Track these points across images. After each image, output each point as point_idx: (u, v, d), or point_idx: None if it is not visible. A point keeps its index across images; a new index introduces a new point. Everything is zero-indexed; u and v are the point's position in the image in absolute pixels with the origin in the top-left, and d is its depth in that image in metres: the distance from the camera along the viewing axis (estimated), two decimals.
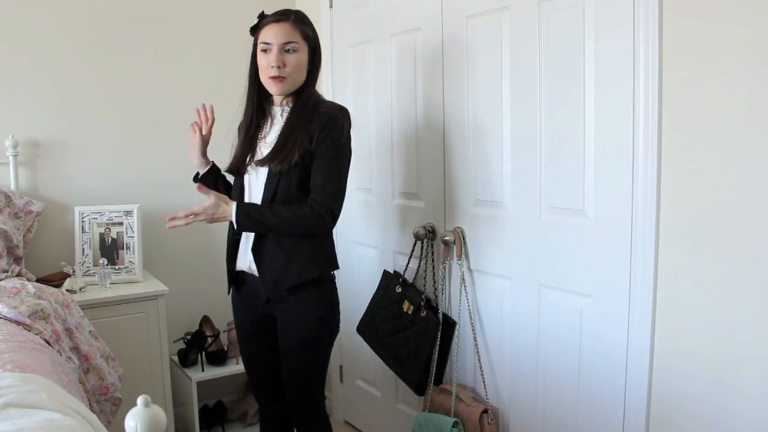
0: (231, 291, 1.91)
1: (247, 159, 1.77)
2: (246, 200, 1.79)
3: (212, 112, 1.86)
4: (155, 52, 2.67)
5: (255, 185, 1.78)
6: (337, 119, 1.71)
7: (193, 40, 2.74)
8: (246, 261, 1.80)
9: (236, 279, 1.87)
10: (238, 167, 1.79)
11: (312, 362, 1.81)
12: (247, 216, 1.68)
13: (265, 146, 1.77)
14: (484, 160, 1.96)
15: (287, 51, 1.67)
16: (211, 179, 1.89)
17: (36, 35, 2.44)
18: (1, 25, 2.38)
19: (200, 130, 1.85)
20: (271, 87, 1.72)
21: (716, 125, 1.37)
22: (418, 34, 2.17)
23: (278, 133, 1.74)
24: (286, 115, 1.76)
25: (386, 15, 2.31)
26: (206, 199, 1.69)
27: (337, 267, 1.85)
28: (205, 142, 1.87)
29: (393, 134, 2.35)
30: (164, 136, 2.71)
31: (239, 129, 1.89)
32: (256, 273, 1.77)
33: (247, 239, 1.79)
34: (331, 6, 2.64)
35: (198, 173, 1.91)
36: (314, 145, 1.68)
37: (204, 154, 1.89)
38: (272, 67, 1.67)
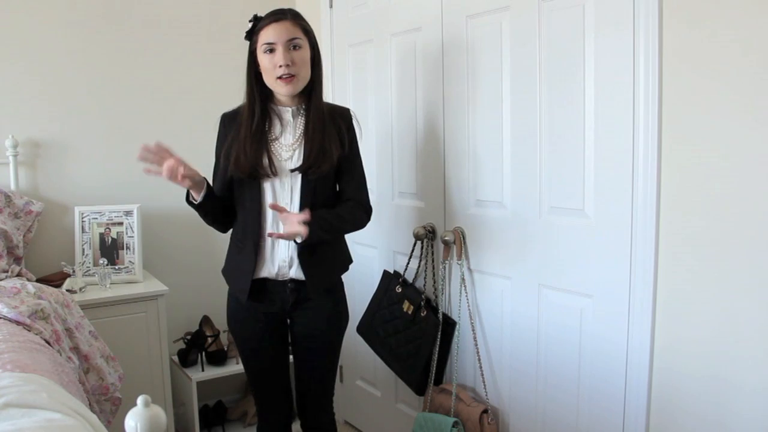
0: (237, 303, 1.81)
1: (266, 163, 1.69)
2: (269, 204, 1.71)
3: (159, 146, 1.60)
4: (155, 52, 2.67)
5: (282, 191, 1.71)
6: (352, 119, 1.81)
7: (192, 40, 2.74)
8: (273, 267, 1.73)
9: (251, 288, 1.75)
10: (255, 172, 1.68)
11: (333, 355, 1.89)
12: (320, 227, 1.64)
13: (283, 149, 1.72)
14: (485, 159, 1.96)
15: (292, 48, 1.65)
16: (208, 203, 1.71)
17: (36, 35, 2.44)
18: (1, 25, 2.38)
19: (175, 164, 1.56)
20: (280, 87, 1.67)
21: (716, 125, 1.37)
22: (418, 34, 2.17)
23: (296, 136, 1.72)
24: (300, 117, 1.73)
25: (386, 15, 2.31)
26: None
27: (352, 260, 1.93)
28: (188, 172, 1.59)
29: (393, 134, 2.35)
30: (164, 136, 2.70)
31: (227, 123, 1.77)
32: (284, 277, 1.73)
33: (274, 244, 1.72)
34: (331, 6, 2.64)
35: (189, 193, 1.69)
36: (346, 148, 1.75)
37: (194, 177, 1.63)
38: (281, 66, 1.63)
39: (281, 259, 1.73)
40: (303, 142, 1.71)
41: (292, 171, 1.69)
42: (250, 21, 1.71)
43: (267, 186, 1.72)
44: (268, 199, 1.72)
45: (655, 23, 1.45)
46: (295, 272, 1.73)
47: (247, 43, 1.73)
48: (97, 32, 2.55)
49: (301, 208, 1.70)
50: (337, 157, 1.71)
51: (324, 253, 1.76)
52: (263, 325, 1.81)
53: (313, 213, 1.63)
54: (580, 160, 1.67)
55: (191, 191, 1.69)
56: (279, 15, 1.67)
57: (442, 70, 2.07)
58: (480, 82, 1.94)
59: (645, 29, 1.47)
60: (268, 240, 1.72)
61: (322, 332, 1.82)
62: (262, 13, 1.71)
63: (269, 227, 1.72)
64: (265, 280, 1.75)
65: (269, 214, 1.72)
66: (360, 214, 1.81)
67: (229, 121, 1.78)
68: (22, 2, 2.41)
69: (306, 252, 1.72)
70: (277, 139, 1.73)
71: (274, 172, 1.69)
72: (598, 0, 1.58)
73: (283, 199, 1.72)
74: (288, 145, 1.73)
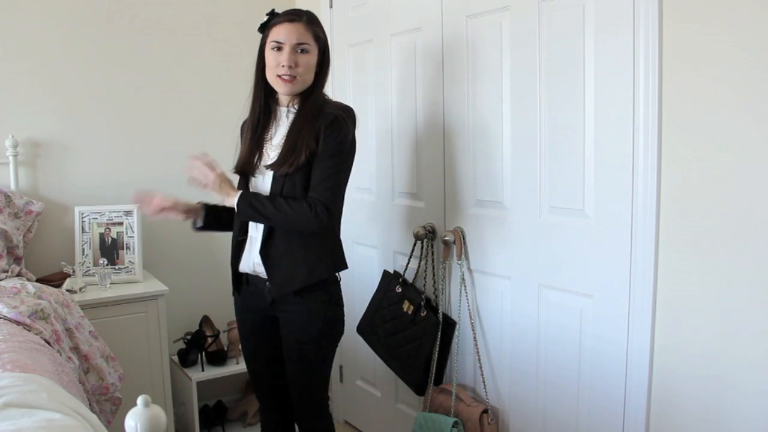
0: (235, 296, 1.90)
1: (255, 160, 1.75)
2: None
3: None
4: (156, 52, 2.67)
5: (261, 188, 1.75)
6: (341, 120, 1.69)
7: (192, 40, 2.74)
8: (250, 263, 1.78)
9: (239, 281, 1.85)
10: (245, 169, 1.76)
11: (317, 363, 1.81)
12: (249, 203, 1.67)
13: (271, 148, 1.75)
14: (485, 160, 1.96)
15: (299, 51, 1.66)
16: (211, 221, 1.85)
17: (37, 35, 2.44)
18: (1, 25, 2.38)
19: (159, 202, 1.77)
20: (279, 86, 1.69)
21: (716, 125, 1.37)
22: (418, 34, 2.17)
23: (284, 135, 1.72)
24: (291, 116, 1.74)
25: (386, 15, 2.31)
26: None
27: (345, 267, 1.84)
28: (178, 208, 1.79)
29: (393, 134, 2.35)
30: (164, 136, 2.72)
31: (243, 128, 1.86)
32: (262, 275, 1.76)
33: (252, 242, 1.77)
34: (331, 6, 2.64)
35: (195, 222, 1.85)
36: (319, 146, 1.67)
37: (190, 209, 1.82)
38: (283, 66, 1.65)
39: (255, 255, 1.75)
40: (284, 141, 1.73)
41: (266, 167, 1.72)
42: (267, 14, 1.72)
43: (252, 184, 1.78)
44: None
45: (655, 23, 1.45)
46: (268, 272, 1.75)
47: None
48: (98, 32, 2.55)
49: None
50: (306, 157, 1.65)
51: (288, 252, 1.71)
52: (253, 320, 1.87)
53: (256, 193, 1.72)
54: (580, 160, 1.67)
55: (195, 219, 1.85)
56: (294, 16, 1.67)
57: (442, 70, 2.07)
58: (480, 82, 1.94)
59: (645, 29, 1.47)
60: (249, 236, 1.78)
61: (300, 336, 1.76)
62: (264, 15, 1.72)
63: (251, 225, 1.78)
64: (248, 275, 1.81)
65: None
66: (306, 210, 1.64)
67: (245, 122, 1.84)
68: (23, 2, 2.41)
69: (265, 248, 1.72)
70: (271, 139, 1.76)
71: (254, 169, 1.75)
72: (598, 0, 1.58)
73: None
74: (276, 144, 1.74)
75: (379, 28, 2.36)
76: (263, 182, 1.75)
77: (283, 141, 1.71)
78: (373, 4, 2.40)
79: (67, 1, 2.48)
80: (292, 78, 1.66)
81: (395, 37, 2.28)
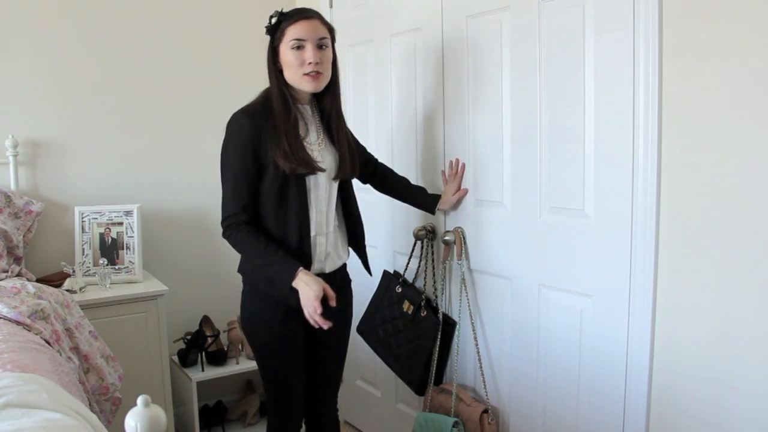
0: (270, 304, 1.72)
1: (310, 160, 1.68)
2: (314, 202, 1.72)
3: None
4: (156, 52, 2.67)
5: (321, 187, 1.73)
6: None
7: (192, 40, 2.74)
8: (318, 264, 1.76)
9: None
10: (311, 168, 1.68)
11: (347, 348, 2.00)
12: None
13: (313, 148, 1.72)
14: (485, 159, 1.96)
15: (320, 47, 1.67)
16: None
17: (36, 35, 2.44)
18: (1, 25, 2.38)
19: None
20: (306, 84, 1.67)
21: (716, 125, 1.37)
22: (418, 34, 2.17)
23: (320, 136, 1.76)
24: (317, 116, 1.77)
25: (386, 15, 2.31)
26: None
27: None
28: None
29: (393, 134, 2.35)
30: (164, 136, 2.72)
31: (255, 118, 1.65)
32: (324, 270, 1.77)
33: (319, 240, 1.74)
34: (331, 6, 2.64)
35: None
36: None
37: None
38: (311, 63, 1.64)
39: (320, 251, 1.76)
40: (325, 142, 1.77)
41: (350, 176, 1.83)
42: (272, 16, 1.70)
43: (311, 183, 1.71)
44: (312, 195, 1.72)
45: (655, 23, 1.45)
46: (328, 266, 1.79)
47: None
48: (98, 32, 2.55)
49: (352, 206, 1.87)
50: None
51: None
52: (298, 325, 1.73)
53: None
54: (580, 160, 1.67)
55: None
56: (308, 13, 1.70)
57: (442, 70, 2.07)
58: (480, 82, 1.94)
59: (645, 29, 1.47)
60: (313, 235, 1.72)
61: (345, 324, 1.91)
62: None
63: (315, 223, 1.73)
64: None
65: (314, 210, 1.73)
66: None
67: (258, 117, 1.66)
68: (23, 2, 2.41)
69: (359, 241, 1.90)
70: (304, 137, 1.73)
71: (316, 169, 1.69)
72: (598, 0, 1.58)
73: (321, 195, 1.74)
74: (315, 143, 1.75)
75: (379, 28, 2.36)
76: (319, 182, 1.73)
77: (323, 142, 1.76)
78: (373, 4, 2.40)
79: (68, 1, 2.48)
80: (319, 74, 1.66)
81: (395, 37, 2.28)
